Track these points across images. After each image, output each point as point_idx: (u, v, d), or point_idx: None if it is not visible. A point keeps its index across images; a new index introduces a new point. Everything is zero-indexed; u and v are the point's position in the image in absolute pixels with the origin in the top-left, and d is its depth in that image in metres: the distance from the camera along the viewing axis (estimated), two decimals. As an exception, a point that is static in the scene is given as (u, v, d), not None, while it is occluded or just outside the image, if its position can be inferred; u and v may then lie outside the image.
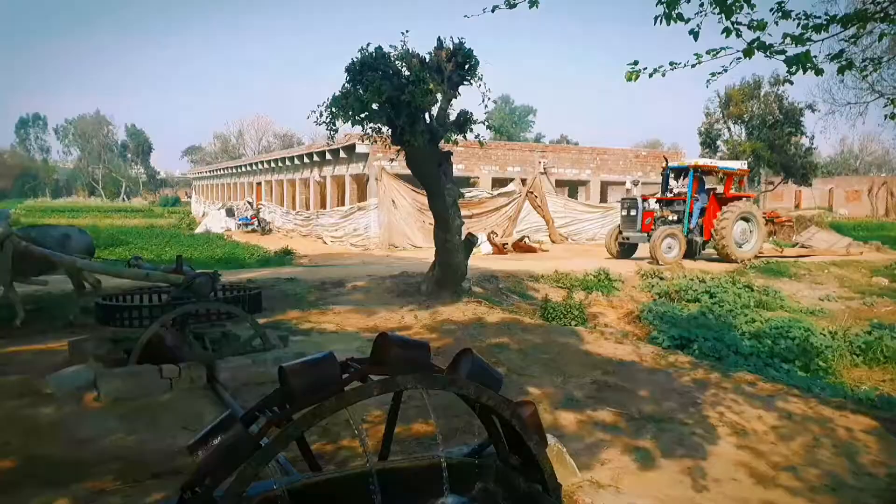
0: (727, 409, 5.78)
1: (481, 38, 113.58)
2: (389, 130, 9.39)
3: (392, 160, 18.28)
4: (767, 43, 4.50)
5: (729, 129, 38.87)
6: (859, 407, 6.06)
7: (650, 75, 4.95)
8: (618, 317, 12.29)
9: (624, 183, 28.50)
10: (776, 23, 4.71)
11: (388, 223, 22.53)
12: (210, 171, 49.79)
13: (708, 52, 4.62)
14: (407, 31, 9.23)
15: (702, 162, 19.00)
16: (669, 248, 17.14)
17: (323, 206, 27.67)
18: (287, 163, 30.70)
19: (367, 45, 9.09)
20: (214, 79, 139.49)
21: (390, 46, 9.12)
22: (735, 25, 4.03)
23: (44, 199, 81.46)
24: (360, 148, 22.38)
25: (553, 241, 23.83)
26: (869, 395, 7.40)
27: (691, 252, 17.90)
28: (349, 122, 9.46)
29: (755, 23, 4.54)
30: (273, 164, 33.00)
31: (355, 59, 9.03)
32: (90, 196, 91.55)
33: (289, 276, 12.98)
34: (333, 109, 9.39)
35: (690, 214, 17.80)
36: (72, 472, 4.06)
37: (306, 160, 28.21)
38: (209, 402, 5.49)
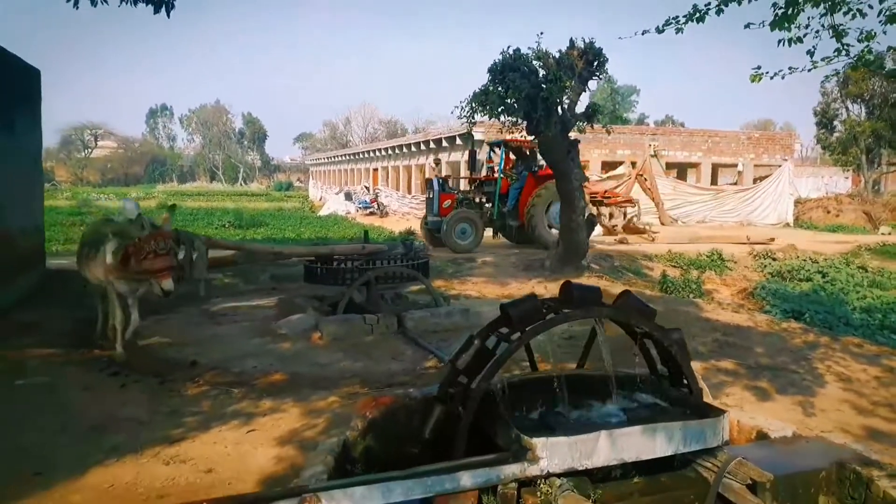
0: (834, 363, 6.72)
1: (579, 20, 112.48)
2: (526, 122, 10.65)
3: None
4: (875, 52, 5.43)
5: (847, 108, 37.58)
6: (960, 365, 6.83)
7: (771, 77, 5.95)
8: (731, 293, 13.07)
9: (735, 165, 28.53)
10: (884, 32, 5.60)
11: (501, 206, 23.83)
12: (327, 158, 52.71)
13: (823, 59, 5.60)
14: (542, 33, 10.45)
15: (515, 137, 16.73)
16: (464, 233, 15.56)
17: (438, 189, 29.30)
18: (404, 150, 32.57)
19: (508, 47, 10.39)
20: (323, 68, 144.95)
21: (528, 48, 10.36)
22: (846, 46, 5.00)
23: (172, 185, 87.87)
24: (477, 135, 23.74)
25: (663, 224, 24.40)
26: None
27: (510, 237, 16.59)
28: (488, 115, 10.82)
29: (864, 33, 5.48)
30: (389, 151, 35.04)
31: (497, 61, 10.34)
32: (211, 181, 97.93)
33: (424, 253, 14.55)
34: (474, 104, 10.79)
35: (505, 195, 16.01)
36: (328, 383, 5.62)
37: (423, 147, 29.91)
38: (402, 342, 7.02)
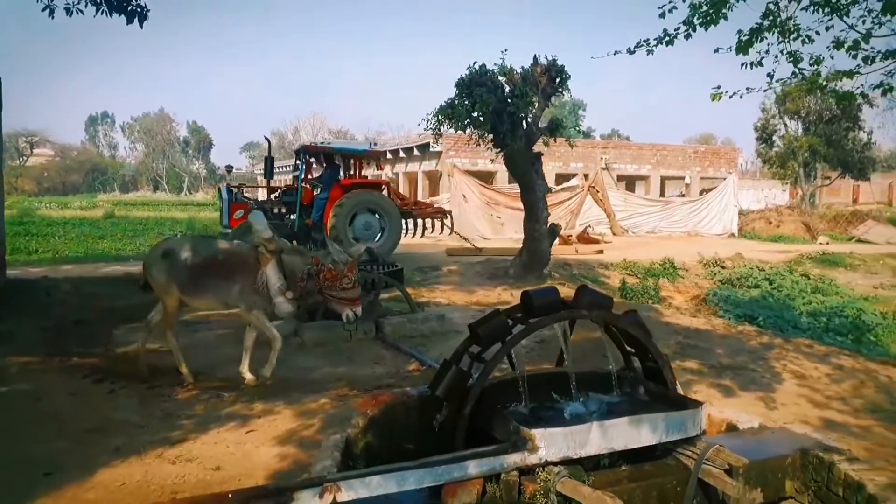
0: (789, 362, 7.19)
1: (523, 30, 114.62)
2: (491, 135, 10.99)
3: (465, 158, 19.91)
4: (823, 75, 5.92)
5: (785, 124, 39.35)
6: (901, 363, 7.40)
7: (730, 97, 6.39)
8: (685, 300, 13.64)
9: (683, 178, 29.57)
10: (831, 56, 6.11)
11: (458, 216, 24.15)
12: (278, 167, 52.14)
13: (778, 81, 6.07)
14: (506, 50, 10.83)
15: (319, 143, 16.11)
16: None
17: (394, 200, 29.51)
18: (358, 160, 32.67)
19: (474, 63, 10.71)
20: (271, 77, 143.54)
21: (494, 64, 10.71)
22: (800, 70, 5.46)
23: (114, 194, 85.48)
24: (434, 146, 24.08)
25: (614, 234, 25.12)
26: (912, 359, 8.67)
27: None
28: (454, 128, 11.13)
29: (814, 58, 5.97)
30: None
31: (464, 76, 10.66)
32: (155, 190, 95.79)
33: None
34: (440, 117, 11.09)
35: (307, 206, 14.31)
36: (316, 386, 5.77)
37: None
38: (382, 347, 7.21)
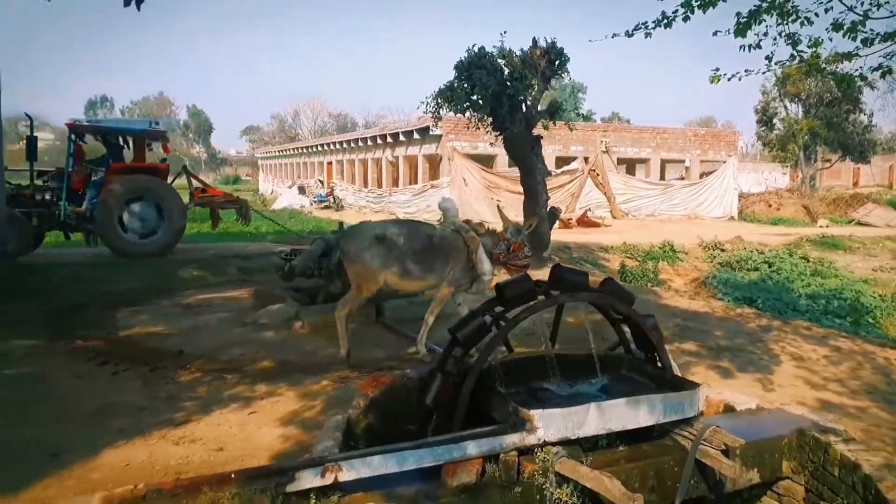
0: (787, 344, 7.23)
1: (520, 13, 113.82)
2: (491, 119, 10.96)
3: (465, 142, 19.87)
4: (822, 57, 5.91)
5: (786, 107, 39.15)
6: (898, 345, 7.45)
7: (728, 79, 6.37)
8: (684, 283, 13.72)
9: (683, 161, 29.52)
10: (830, 39, 6.08)
11: (459, 200, 24.13)
12: (278, 151, 52.16)
13: (777, 64, 6.05)
14: (505, 32, 10.77)
15: (86, 122, 13.94)
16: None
17: (395, 184, 29.47)
18: (359, 144, 32.58)
19: (473, 45, 10.66)
20: (271, 60, 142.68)
21: (493, 47, 10.66)
22: (798, 52, 5.44)
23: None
24: (434, 130, 24.00)
25: (614, 217, 25.14)
26: (910, 341, 8.73)
27: (91, 242, 12.78)
28: (454, 111, 11.10)
29: (813, 40, 5.95)
30: (343, 145, 34.98)
31: (463, 59, 10.61)
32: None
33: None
34: (439, 100, 11.05)
35: (78, 192, 12.40)
36: (317, 368, 5.81)
37: (379, 141, 30.02)
38: (383, 331, 7.25)
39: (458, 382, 4.19)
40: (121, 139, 13.12)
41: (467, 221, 6.80)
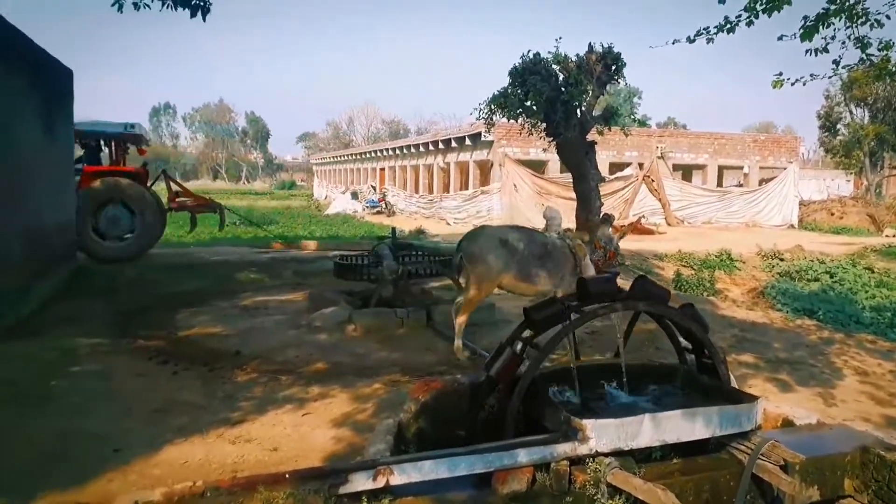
0: (850, 358, 6.98)
1: (574, 17, 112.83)
2: (544, 124, 10.92)
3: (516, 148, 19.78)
4: (893, 60, 5.70)
5: (851, 112, 37.79)
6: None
7: (792, 84, 6.21)
8: (742, 292, 13.35)
9: (741, 167, 28.81)
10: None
11: (509, 205, 24.10)
12: (332, 157, 52.96)
13: (843, 67, 5.87)
14: (560, 38, 10.73)
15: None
16: None
17: (446, 190, 29.56)
18: (411, 150, 32.86)
19: (528, 51, 10.65)
20: (326, 67, 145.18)
21: (547, 52, 10.63)
22: (868, 56, 5.26)
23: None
24: (486, 136, 24.01)
25: (669, 224, 24.68)
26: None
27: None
28: (507, 117, 11.10)
29: (883, 43, 5.75)
30: (395, 151, 35.34)
31: (517, 64, 10.61)
32: (214, 179, 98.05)
33: (439, 250, 14.81)
34: (493, 106, 11.08)
35: None
36: (369, 371, 5.88)
37: (431, 147, 30.19)
38: (432, 335, 7.28)
39: (519, 362, 4.21)
40: (99, 142, 13.00)
41: (568, 230, 7.10)
